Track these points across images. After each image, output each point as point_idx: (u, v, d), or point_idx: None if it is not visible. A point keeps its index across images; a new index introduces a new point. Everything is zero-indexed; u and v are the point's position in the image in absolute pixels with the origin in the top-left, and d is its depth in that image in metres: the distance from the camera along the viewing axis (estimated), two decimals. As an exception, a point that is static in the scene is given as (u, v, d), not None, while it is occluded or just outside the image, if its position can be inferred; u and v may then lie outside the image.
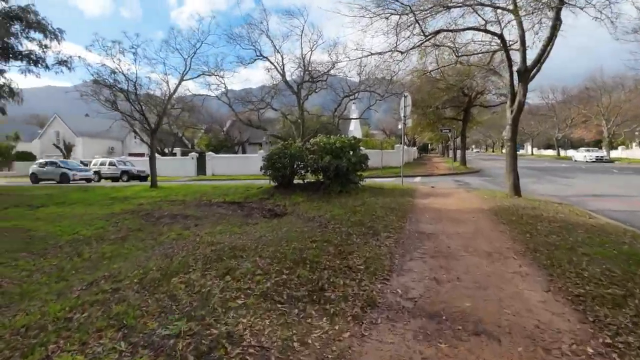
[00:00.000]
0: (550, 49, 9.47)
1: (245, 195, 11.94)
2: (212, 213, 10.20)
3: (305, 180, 12.22)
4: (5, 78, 15.67)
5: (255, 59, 28.58)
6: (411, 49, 10.23)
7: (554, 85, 56.17)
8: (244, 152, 43.26)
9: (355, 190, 11.04)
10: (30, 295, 4.49)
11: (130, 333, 2.80)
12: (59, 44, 15.72)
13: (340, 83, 31.39)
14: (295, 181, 12.41)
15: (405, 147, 27.08)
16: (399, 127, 14.35)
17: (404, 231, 6.27)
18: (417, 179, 20.12)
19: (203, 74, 17.26)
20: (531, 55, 9.77)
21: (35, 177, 26.01)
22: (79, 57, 15.56)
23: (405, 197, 10.21)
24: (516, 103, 9.92)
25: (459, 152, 33.65)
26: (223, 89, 28.88)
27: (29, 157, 44.19)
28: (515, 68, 9.99)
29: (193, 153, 32.37)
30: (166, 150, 37.17)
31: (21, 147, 45.82)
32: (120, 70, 14.15)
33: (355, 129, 42.04)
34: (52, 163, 26.35)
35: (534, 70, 9.79)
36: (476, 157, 64.33)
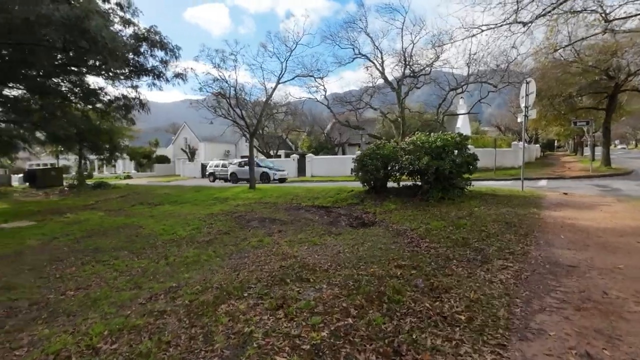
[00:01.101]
0: None
1: (334, 200, 11.21)
2: (299, 218, 9.73)
3: (401, 184, 10.87)
4: (137, 92, 18.06)
5: (354, 58, 28.02)
6: (537, 18, 8.01)
7: None
8: (343, 153, 43.19)
9: (459, 196, 9.29)
10: (100, 303, 4.38)
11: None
12: (176, 59, 17.44)
13: (445, 76, 28.65)
14: (390, 184, 11.17)
15: (526, 144, 23.08)
16: (519, 120, 11.81)
17: (529, 259, 4.57)
18: (542, 182, 16.60)
19: (298, 76, 17.27)
20: None
21: (235, 177, 25.45)
22: (191, 69, 16.90)
23: (528, 208, 8.06)
24: None
25: (597, 149, 27.39)
26: (322, 91, 29.09)
27: (165, 160, 52.06)
28: None
29: (294, 155, 33.40)
30: (271, 153, 39.34)
31: (160, 151, 54.10)
32: (222, 77, 15.02)
33: (463, 126, 38.08)
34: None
35: None
36: (622, 155, 52.13)
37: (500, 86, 25.31)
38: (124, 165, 54.11)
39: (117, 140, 20.45)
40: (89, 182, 25.08)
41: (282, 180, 24.87)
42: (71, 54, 10.98)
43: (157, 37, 16.95)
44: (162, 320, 3.27)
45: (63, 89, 15.70)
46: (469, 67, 24.59)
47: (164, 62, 17.23)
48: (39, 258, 7.41)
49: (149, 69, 17.10)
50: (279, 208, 11.51)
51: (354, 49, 27.23)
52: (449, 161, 9.17)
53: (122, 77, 17.04)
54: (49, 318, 4.03)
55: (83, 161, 25.83)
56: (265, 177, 23.78)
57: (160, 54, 17.46)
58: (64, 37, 8.45)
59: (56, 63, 13.44)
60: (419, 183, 10.30)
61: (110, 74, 13.36)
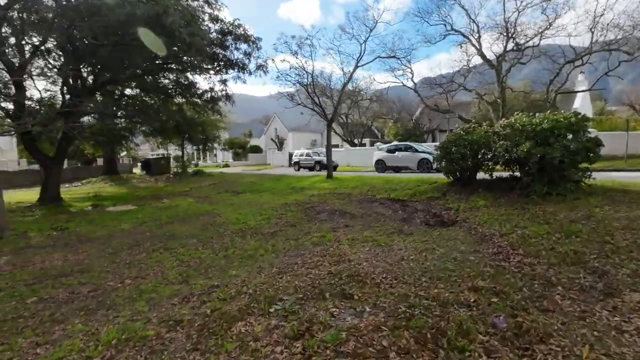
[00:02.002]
0: None
1: (413, 192, 10.02)
2: (370, 212, 8.89)
3: (494, 176, 9.14)
4: (225, 85, 18.96)
5: (446, 35, 25.33)
6: None
7: None
8: (433, 140, 40.20)
9: (573, 192, 7.32)
10: (141, 297, 4.27)
11: None
12: (258, 50, 17.76)
13: (560, 48, 24.11)
14: (481, 176, 9.51)
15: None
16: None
17: (686, 294, 3.04)
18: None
19: (379, 57, 16.04)
20: None
21: (382, 165, 20.47)
22: (272, 59, 17.01)
23: (680, 210, 5.87)
24: None
25: None
26: (409, 74, 27.10)
27: (258, 149, 55.33)
28: None
29: (378, 143, 32.12)
30: (356, 141, 38.58)
31: (253, 142, 57.66)
32: (300, 64, 14.70)
33: (583, 106, 31.89)
34: (408, 147, 19.88)
35: None
36: None
37: (638, 54, 20.20)
38: (223, 155, 59.08)
39: (210, 131, 21.95)
40: (189, 170, 27.73)
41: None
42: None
43: (240, 31, 17.46)
44: (172, 334, 2.87)
45: (167, 86, 17.22)
46: (592, 33, 20.08)
47: (247, 55, 17.68)
48: (123, 242, 8.00)
49: (234, 61, 17.73)
50: (352, 200, 10.78)
51: (445, 25, 24.59)
52: (559, 147, 7.26)
53: (212, 72, 18.01)
54: (92, 310, 4.02)
55: (185, 151, 28.72)
56: (424, 165, 17.96)
57: (243, 46, 18.00)
58: (143, 34, 8.92)
59: (157, 62, 14.66)
60: (518, 174, 8.50)
61: (202, 69, 14.02)
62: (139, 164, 37.50)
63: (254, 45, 17.79)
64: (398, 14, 49.02)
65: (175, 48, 10.57)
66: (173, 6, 9.54)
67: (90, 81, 14.65)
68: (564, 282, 3.33)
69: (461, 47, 25.48)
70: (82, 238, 8.64)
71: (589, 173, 7.64)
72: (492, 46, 25.53)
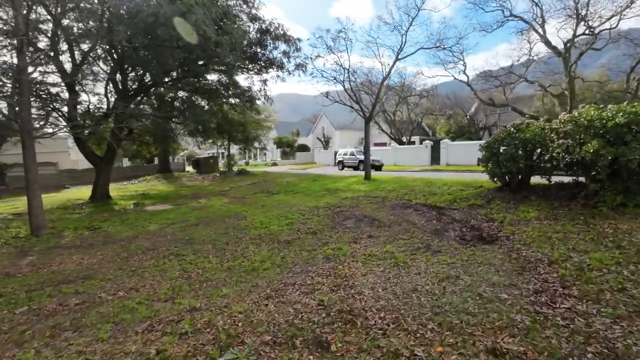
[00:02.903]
0: None
1: (453, 198, 8.82)
2: (401, 220, 7.93)
3: (552, 181, 7.66)
4: (265, 85, 18.80)
5: (504, 22, 22.95)
6: None
7: None
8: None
9: (660, 204, 5.79)
10: (116, 317, 3.86)
11: None
12: (297, 51, 17.33)
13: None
14: (537, 180, 8.07)
15: None
16: None
17: None
18: None
19: (422, 48, 14.67)
20: None
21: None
22: (311, 58, 16.47)
23: None
24: None
25: None
26: (462, 66, 25.05)
27: (305, 148, 55.50)
28: None
29: (427, 141, 30.33)
30: (404, 139, 36.85)
31: (301, 140, 57.98)
32: (337, 61, 13.93)
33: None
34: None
35: None
36: None
37: None
38: (273, 154, 60.18)
39: (251, 131, 22.05)
40: (235, 168, 28.31)
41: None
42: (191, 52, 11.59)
43: (279, 30, 17.13)
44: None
45: (211, 86, 17.45)
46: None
47: (286, 54, 17.31)
48: (141, 245, 7.90)
49: (273, 60, 17.46)
50: (386, 205, 9.86)
51: (503, 11, 22.28)
52: (638, 148, 5.77)
53: (253, 72, 17.92)
54: (60, 331, 3.68)
55: (234, 150, 29.38)
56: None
57: (282, 46, 17.66)
58: (169, 33, 8.78)
59: (195, 63, 14.80)
60: (583, 180, 7.01)
61: (238, 68, 13.89)
62: (191, 163, 39.24)
63: (293, 46, 17.40)
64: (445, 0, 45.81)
65: (211, 48, 10.34)
66: (198, 4, 9.28)
67: (135, 84, 15.18)
68: (638, 352, 2.27)
69: (522, 34, 22.98)
70: (107, 239, 8.73)
71: (681, 180, 6.00)
72: (559, 32, 22.58)
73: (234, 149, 38.30)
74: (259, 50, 17.34)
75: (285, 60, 17.80)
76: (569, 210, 6.26)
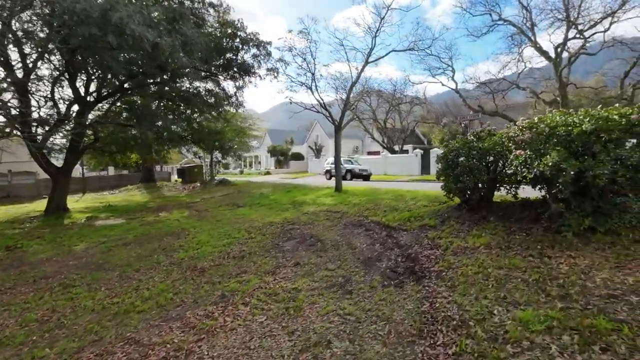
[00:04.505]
0: None
1: (411, 215, 7.72)
2: (344, 242, 6.91)
3: (519, 197, 6.56)
4: (242, 91, 17.87)
5: (492, 26, 22.03)
6: None
7: None
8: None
9: (635, 229, 4.71)
10: None
11: None
12: (268, 55, 16.46)
13: (637, 31, 19.65)
14: (502, 196, 6.95)
15: None
16: None
17: None
18: None
19: (394, 50, 13.67)
20: None
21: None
22: (283, 61, 15.58)
23: None
24: None
25: None
26: (449, 72, 24.09)
27: (299, 157, 54.55)
28: None
29: (417, 150, 29.34)
30: (396, 148, 35.79)
31: (296, 149, 57.12)
32: (302, 64, 13.00)
33: (676, 103, 26.22)
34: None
35: None
36: None
37: None
38: (267, 162, 59.34)
39: (227, 140, 21.12)
40: (217, 177, 27.43)
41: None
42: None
43: (251, 36, 16.29)
44: None
45: (180, 93, 16.55)
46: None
47: (256, 57, 16.44)
48: (44, 271, 6.84)
49: (243, 66, 16.58)
50: (341, 222, 8.85)
51: (491, 15, 21.39)
52: (608, 160, 4.69)
53: (222, 77, 17.03)
54: None
55: (224, 159, 28.48)
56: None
57: (253, 50, 16.79)
58: (89, 32, 7.84)
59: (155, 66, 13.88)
60: (549, 198, 5.91)
61: (192, 74, 12.96)
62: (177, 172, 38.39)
63: (264, 50, 16.53)
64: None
65: (147, 50, 9.41)
66: (126, 3, 8.38)
67: (83, 90, 14.35)
68: None
69: (512, 38, 22.02)
70: (14, 262, 7.73)
71: (662, 200, 4.90)
72: (551, 36, 21.56)
73: (230, 158, 37.42)
74: (229, 55, 16.50)
75: (256, 64, 16.94)
76: (527, 235, 5.17)
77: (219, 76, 16.86)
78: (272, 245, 7.44)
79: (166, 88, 15.14)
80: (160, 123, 13.86)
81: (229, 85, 17.65)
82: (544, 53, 20.33)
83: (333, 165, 29.93)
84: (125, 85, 14.43)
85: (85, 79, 13.83)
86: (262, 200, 15.05)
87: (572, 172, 4.73)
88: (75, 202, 19.50)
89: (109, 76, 12.63)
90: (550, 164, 4.83)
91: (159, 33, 9.47)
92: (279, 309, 3.85)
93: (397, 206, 9.37)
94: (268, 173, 49.74)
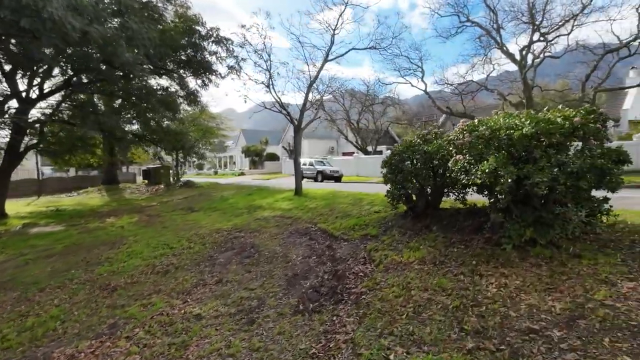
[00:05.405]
0: None
1: (356, 223, 7.20)
2: (282, 253, 6.35)
3: (468, 204, 6.15)
4: (205, 89, 17.00)
5: (460, 27, 21.97)
6: None
7: None
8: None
9: (577, 240, 4.36)
10: None
11: None
12: (229, 52, 15.72)
13: (597, 34, 20.07)
14: (451, 202, 6.53)
15: None
16: None
17: None
18: None
19: (355, 49, 13.22)
20: None
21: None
22: (236, 57, 14.89)
23: None
24: None
25: None
26: (419, 73, 23.93)
27: (275, 157, 53.64)
28: None
29: (388, 151, 29.03)
30: (369, 149, 35.53)
31: (270, 149, 56.20)
32: (257, 62, 12.36)
33: (635, 107, 27.12)
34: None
35: None
36: None
37: None
38: (241, 163, 58.15)
39: (189, 140, 20.18)
40: (183, 178, 26.41)
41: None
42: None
43: (211, 32, 15.50)
44: None
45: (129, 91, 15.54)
46: (639, 13, 15.94)
47: (214, 54, 15.65)
48: None
49: (202, 63, 15.76)
50: (289, 229, 8.31)
51: (459, 17, 21.32)
52: (548, 167, 4.31)
53: (176, 75, 16.12)
54: None
55: (180, 160, 27.36)
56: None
57: (213, 47, 15.98)
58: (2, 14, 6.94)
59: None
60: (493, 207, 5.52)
61: (144, 70, 12.05)
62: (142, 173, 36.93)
63: (225, 47, 15.74)
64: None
65: (75, 41, 8.54)
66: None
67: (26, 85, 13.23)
68: None
69: (480, 40, 22.05)
70: None
71: (603, 208, 4.58)
72: (517, 39, 21.77)
73: (195, 159, 36.11)
74: (189, 52, 15.64)
75: (218, 62, 16.15)
76: (465, 248, 4.73)
77: (174, 74, 15.97)
78: (205, 258, 6.79)
79: (116, 86, 14.15)
80: (107, 122, 12.83)
81: (191, 84, 16.76)
82: (510, 55, 20.41)
83: (304, 166, 29.40)
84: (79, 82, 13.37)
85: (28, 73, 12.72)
86: (219, 204, 14.30)
87: (509, 180, 4.32)
88: (25, 206, 18.16)
89: (48, 70, 11.58)
90: (487, 170, 4.41)
91: (91, 21, 8.62)
92: (162, 345, 3.23)
93: (350, 212, 8.86)
94: (242, 174, 48.62)
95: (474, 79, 23.95)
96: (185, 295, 4.73)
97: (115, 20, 11.64)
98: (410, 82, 23.52)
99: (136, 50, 11.40)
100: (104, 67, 12.84)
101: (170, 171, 28.88)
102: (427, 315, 3.01)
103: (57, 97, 15.14)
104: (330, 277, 4.58)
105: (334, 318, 3.25)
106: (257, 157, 54.45)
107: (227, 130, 35.50)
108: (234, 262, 6.26)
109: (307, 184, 22.25)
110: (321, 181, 26.55)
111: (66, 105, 15.60)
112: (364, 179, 26.20)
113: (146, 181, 32.34)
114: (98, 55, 10.76)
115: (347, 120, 33.81)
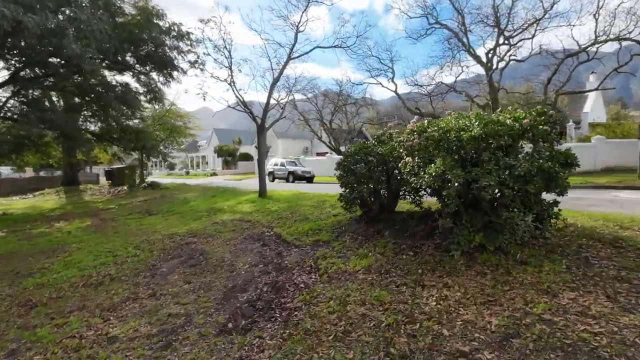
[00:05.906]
0: None
1: (310, 227, 6.89)
2: (231, 260, 5.94)
3: (424, 207, 5.97)
4: (168, 86, 16.28)
5: (429, 29, 22.14)
6: None
7: None
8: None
9: (526, 245, 4.22)
10: None
11: None
12: (192, 48, 15.09)
13: (558, 39, 20.64)
14: (407, 205, 6.33)
15: None
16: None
17: None
18: None
19: (320, 47, 12.95)
20: None
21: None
22: (208, 54, 14.34)
23: None
24: None
25: None
26: (389, 74, 23.97)
27: (248, 157, 52.67)
28: None
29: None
30: (342, 149, 35.41)
31: (244, 149, 55.16)
32: (216, 57, 11.85)
33: (595, 110, 28.28)
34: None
35: None
36: None
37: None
38: (214, 163, 56.83)
39: (150, 139, 19.30)
40: (147, 179, 25.37)
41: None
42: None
43: (171, 25, 14.80)
44: None
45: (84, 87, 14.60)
46: (596, 20, 16.53)
47: (175, 48, 14.97)
48: None
49: (162, 58, 15.04)
50: (244, 234, 7.92)
51: (428, 18, 21.45)
52: (496, 170, 4.14)
53: (130, 70, 15.33)
54: None
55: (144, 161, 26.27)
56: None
57: (176, 43, 15.29)
58: None
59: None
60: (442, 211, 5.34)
61: (92, 63, 11.27)
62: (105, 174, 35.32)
63: (186, 41, 15.09)
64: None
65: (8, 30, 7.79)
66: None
67: None
68: None
69: (449, 42, 22.30)
70: None
71: (551, 211, 4.47)
72: (485, 42, 22.15)
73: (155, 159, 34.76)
74: (150, 47, 14.88)
75: (179, 57, 15.48)
76: (414, 255, 4.51)
77: (134, 70, 15.18)
78: (148, 267, 6.29)
79: (68, 82, 13.24)
80: (56, 119, 11.95)
81: (152, 80, 15.96)
82: (476, 57, 20.73)
83: (276, 167, 28.93)
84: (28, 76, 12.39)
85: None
86: (179, 207, 13.66)
87: (457, 184, 4.12)
88: (-31, 210, 16.79)
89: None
90: (434, 173, 4.19)
91: (27, 10, 7.90)
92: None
93: (310, 215, 8.54)
94: (214, 174, 47.48)
95: (445, 80, 24.30)
96: (109, 312, 4.27)
97: (67, 11, 10.88)
98: (380, 83, 23.50)
99: (87, 43, 10.67)
100: (54, 61, 12.01)
101: (137, 172, 27.69)
102: (356, 335, 2.72)
103: (7, 92, 14.10)
104: (269, 289, 4.23)
105: (255, 341, 2.91)
106: (230, 157, 53.37)
107: (196, 130, 34.35)
108: (177, 271, 5.81)
109: (276, 185, 21.82)
110: (292, 182, 26.15)
111: (15, 101, 14.54)
112: (335, 180, 25.90)
113: (109, 182, 30.93)
114: (42, 48, 9.97)
115: (320, 120, 33.56)
